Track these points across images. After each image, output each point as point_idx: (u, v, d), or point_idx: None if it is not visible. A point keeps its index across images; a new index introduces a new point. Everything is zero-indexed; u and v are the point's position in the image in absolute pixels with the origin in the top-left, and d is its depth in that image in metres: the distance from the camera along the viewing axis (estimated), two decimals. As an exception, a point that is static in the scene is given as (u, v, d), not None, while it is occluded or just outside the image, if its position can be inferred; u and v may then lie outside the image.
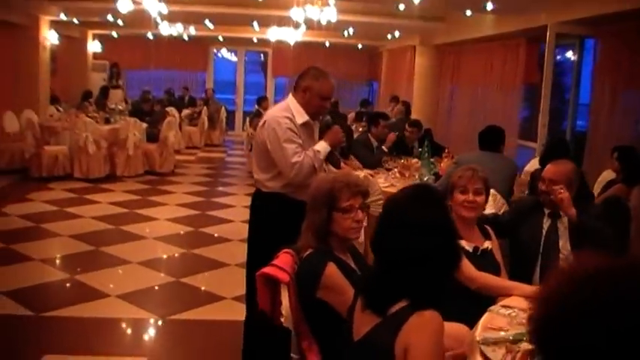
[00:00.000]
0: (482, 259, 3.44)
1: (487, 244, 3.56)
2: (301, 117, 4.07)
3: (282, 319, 2.74)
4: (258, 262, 3.08)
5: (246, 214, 8.45)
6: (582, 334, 1.43)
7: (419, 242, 2.15)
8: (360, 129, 10.59)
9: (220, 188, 11.01)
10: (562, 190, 3.72)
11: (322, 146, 4.13)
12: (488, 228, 3.70)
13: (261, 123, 4.14)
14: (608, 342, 1.38)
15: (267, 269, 2.82)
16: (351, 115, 13.65)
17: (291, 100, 4.15)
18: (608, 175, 6.45)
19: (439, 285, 2.20)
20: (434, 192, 2.50)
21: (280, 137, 3.94)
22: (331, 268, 2.75)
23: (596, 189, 6.44)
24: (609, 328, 1.38)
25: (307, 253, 2.88)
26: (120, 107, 13.06)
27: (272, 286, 2.84)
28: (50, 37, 13.40)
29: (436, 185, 5.67)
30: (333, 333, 2.62)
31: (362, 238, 3.47)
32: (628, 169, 6.00)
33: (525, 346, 2.36)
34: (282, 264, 2.84)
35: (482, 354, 2.46)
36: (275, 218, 4.02)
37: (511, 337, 2.57)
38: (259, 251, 3.70)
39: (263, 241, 3.85)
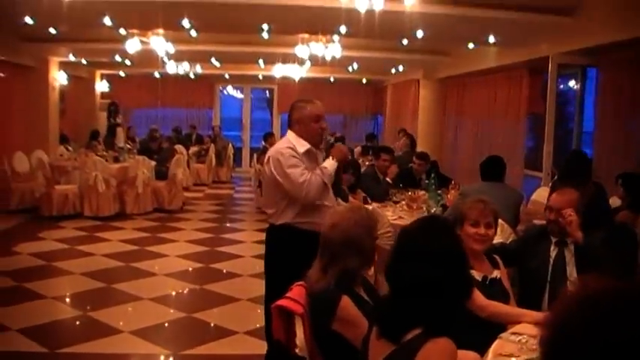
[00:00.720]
0: (492, 288, 3.49)
1: (496, 273, 3.62)
2: (302, 146, 4.29)
3: (297, 350, 2.80)
4: (275, 294, 3.15)
5: (255, 250, 8.66)
6: (588, 354, 1.50)
7: (433, 271, 2.24)
8: (367, 163, 10.67)
9: (229, 224, 11.08)
10: (572, 213, 3.80)
11: (329, 163, 4.36)
12: (497, 257, 3.76)
13: (265, 160, 4.36)
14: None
15: (281, 301, 2.89)
16: (358, 149, 13.76)
17: (289, 134, 4.39)
18: (613, 202, 6.50)
19: (452, 313, 2.27)
20: (446, 223, 2.59)
21: (284, 165, 4.16)
22: (346, 301, 2.81)
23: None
24: (612, 347, 1.45)
25: (321, 285, 2.94)
26: (128, 146, 13.23)
27: (286, 317, 2.90)
28: (59, 78, 13.62)
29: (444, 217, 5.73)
30: None
31: (372, 270, 3.54)
32: (633, 195, 6.06)
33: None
34: (296, 296, 2.91)
35: (494, 379, 2.52)
36: (287, 249, 4.19)
37: (521, 364, 2.63)
38: (275, 283, 3.79)
39: (278, 273, 3.98)
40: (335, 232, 2.97)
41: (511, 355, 2.75)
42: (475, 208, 3.67)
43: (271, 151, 4.36)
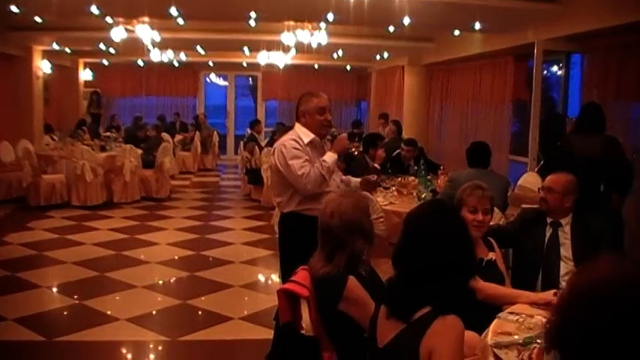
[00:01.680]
0: (488, 270, 3.59)
1: (491, 255, 3.72)
2: (307, 137, 4.44)
3: (303, 331, 2.88)
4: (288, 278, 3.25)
5: (245, 237, 8.78)
6: (597, 339, 1.58)
7: (441, 254, 2.35)
8: (353, 149, 10.71)
9: (217, 212, 11.10)
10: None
11: (328, 155, 4.46)
12: (491, 240, 3.86)
13: (272, 151, 4.53)
14: (616, 345, 1.53)
15: (287, 285, 2.98)
16: (344, 136, 13.79)
17: (297, 127, 4.54)
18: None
19: (459, 291, 2.38)
20: (450, 207, 2.69)
21: (286, 156, 4.31)
22: (353, 282, 2.92)
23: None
24: (619, 332, 1.53)
25: (326, 270, 3.02)
26: (113, 134, 13.19)
27: (292, 300, 2.98)
28: (43, 67, 13.55)
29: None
30: (354, 343, 2.78)
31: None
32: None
33: (541, 345, 2.51)
34: (301, 280, 2.99)
35: (496, 356, 2.62)
36: (295, 235, 4.33)
37: (521, 341, 2.72)
38: (288, 268, 3.89)
39: (290, 258, 4.12)
40: (335, 219, 3.05)
41: (509, 334, 2.84)
42: (474, 195, 3.77)
43: (277, 143, 4.51)
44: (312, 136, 4.44)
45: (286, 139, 4.43)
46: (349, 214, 3.06)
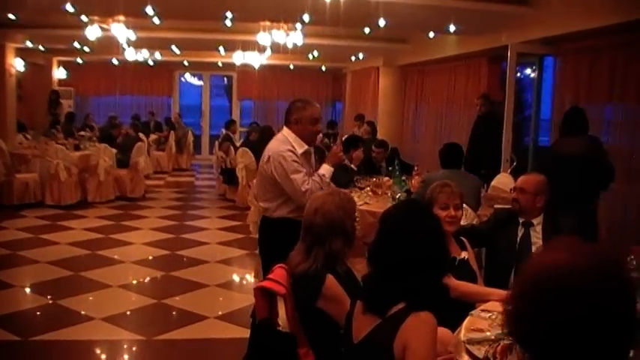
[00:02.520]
0: (460, 269, 3.66)
1: (464, 254, 3.79)
2: (300, 147, 4.44)
3: (280, 327, 2.93)
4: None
5: (220, 237, 8.79)
6: (544, 327, 1.64)
7: (416, 251, 2.41)
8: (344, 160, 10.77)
9: (192, 212, 11.09)
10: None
11: (326, 169, 4.54)
12: (464, 239, 3.94)
13: (265, 158, 4.46)
14: (559, 334, 1.58)
15: (264, 283, 3.03)
16: (319, 137, 13.86)
17: (287, 133, 4.49)
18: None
19: (433, 288, 2.45)
20: (423, 205, 2.77)
21: (287, 170, 4.29)
22: (331, 279, 2.97)
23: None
24: (563, 320, 1.58)
25: (305, 266, 3.07)
26: (88, 134, 13.11)
27: (269, 298, 3.02)
28: (16, 65, 13.42)
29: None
30: (330, 340, 2.83)
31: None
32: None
33: (505, 341, 2.58)
34: (278, 277, 3.03)
35: (468, 352, 2.68)
36: (283, 240, 4.26)
37: (493, 337, 2.78)
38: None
39: (275, 261, 4.09)
40: (318, 217, 3.10)
41: (482, 331, 2.90)
42: (444, 192, 3.85)
43: (271, 151, 4.42)
44: (305, 146, 4.46)
45: (283, 150, 4.36)
46: (332, 213, 3.11)
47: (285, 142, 4.44)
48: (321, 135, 14.13)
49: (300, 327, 3.00)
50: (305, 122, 4.45)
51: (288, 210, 4.42)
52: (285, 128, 4.55)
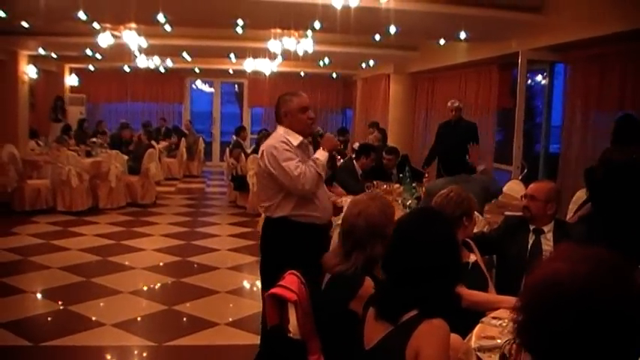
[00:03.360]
0: (472, 273, 3.65)
1: (472, 257, 3.79)
2: (295, 139, 4.37)
3: (291, 335, 2.93)
4: (273, 284, 3.24)
5: (231, 243, 8.77)
6: (548, 335, 1.64)
7: (430, 259, 2.42)
8: (339, 156, 10.79)
9: (203, 218, 11.12)
10: None
11: (320, 153, 4.42)
12: (470, 242, 3.92)
13: (259, 155, 4.44)
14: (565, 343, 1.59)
15: (275, 290, 3.03)
16: (331, 134, 13.86)
17: (280, 129, 4.45)
18: (581, 194, 6.70)
19: (446, 295, 2.45)
20: (439, 214, 2.77)
21: (279, 158, 4.23)
22: (369, 282, 2.96)
23: (571, 209, 6.69)
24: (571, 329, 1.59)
25: (343, 267, 3.08)
26: (99, 140, 13.16)
27: (280, 305, 3.03)
28: (29, 72, 13.52)
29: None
30: (350, 345, 2.82)
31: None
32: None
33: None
34: (289, 284, 3.04)
35: (479, 359, 2.68)
36: (285, 242, 4.32)
37: (503, 345, 2.78)
38: (273, 274, 3.91)
39: (276, 264, 4.05)
40: (360, 220, 3.10)
41: (492, 338, 2.90)
42: (449, 205, 3.83)
43: (265, 146, 4.39)
44: (300, 138, 4.39)
45: (275, 142, 4.33)
46: (375, 217, 3.11)
47: (279, 137, 4.38)
48: (332, 133, 14.21)
49: (317, 332, 3.01)
50: (294, 112, 4.39)
51: (290, 208, 4.33)
52: (278, 127, 4.51)
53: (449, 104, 9.59)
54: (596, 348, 1.58)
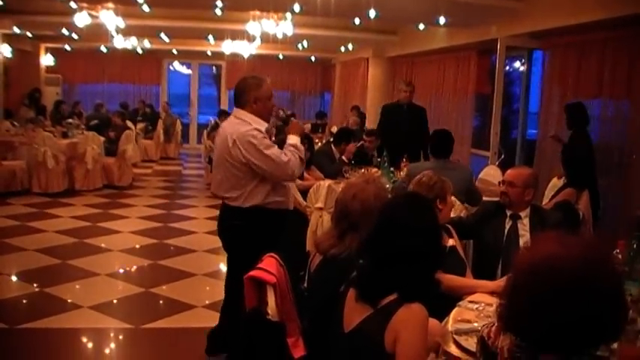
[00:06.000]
0: (450, 257, 3.69)
1: (451, 242, 3.82)
2: (261, 126, 4.31)
3: (270, 317, 2.94)
4: (244, 270, 3.20)
5: (208, 226, 8.76)
6: (540, 316, 1.68)
7: (411, 242, 2.43)
8: (317, 140, 10.80)
9: (180, 201, 11.07)
10: None
11: (294, 139, 4.42)
12: (449, 227, 3.95)
13: (229, 143, 4.23)
14: (562, 320, 1.63)
15: (253, 272, 3.03)
16: (307, 127, 13.88)
17: (244, 115, 4.33)
18: (557, 181, 6.78)
19: (426, 280, 2.48)
20: (423, 199, 2.79)
21: (260, 147, 4.16)
22: None
23: (547, 195, 6.77)
24: (562, 308, 1.63)
25: (337, 250, 3.08)
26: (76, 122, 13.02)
27: (258, 287, 3.04)
28: (3, 51, 13.33)
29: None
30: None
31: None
32: (572, 174, 6.34)
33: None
34: (268, 267, 3.04)
35: (456, 342, 2.71)
36: (258, 230, 4.30)
37: (480, 328, 2.81)
38: (244, 261, 3.90)
39: (248, 252, 4.02)
40: (355, 204, 3.10)
41: (469, 322, 2.93)
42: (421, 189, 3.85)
43: (235, 135, 4.21)
44: (265, 124, 4.34)
45: (248, 130, 4.20)
46: (370, 201, 3.10)
47: (244, 124, 4.26)
48: (309, 125, 14.25)
49: (302, 313, 3.04)
50: (264, 99, 4.34)
51: (263, 196, 4.29)
52: (238, 110, 4.37)
53: (402, 86, 9.23)
54: (585, 326, 1.62)
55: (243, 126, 4.25)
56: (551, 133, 7.55)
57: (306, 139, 7.60)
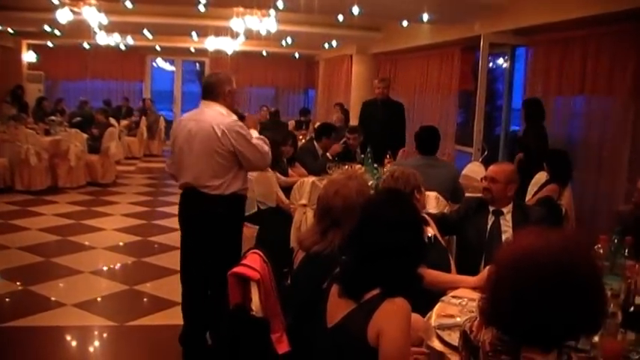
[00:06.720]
0: (433, 248, 3.72)
1: (430, 231, 3.84)
2: (235, 118, 4.49)
3: (254, 313, 2.95)
4: (233, 260, 3.30)
5: (193, 223, 8.60)
6: (522, 309, 1.70)
7: (393, 237, 2.45)
8: (301, 137, 10.79)
9: (164, 198, 11.02)
10: None
11: (255, 133, 4.84)
12: (425, 216, 3.97)
13: (217, 133, 4.29)
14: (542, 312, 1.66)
15: (237, 269, 3.03)
16: (291, 123, 13.89)
17: (219, 107, 4.44)
18: (541, 177, 6.82)
19: (409, 275, 2.50)
20: (403, 195, 2.81)
21: (246, 137, 4.36)
22: None
23: (530, 191, 6.81)
24: (542, 300, 1.66)
25: (320, 247, 3.10)
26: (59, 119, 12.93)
27: (242, 284, 3.04)
28: (-16, 48, 13.24)
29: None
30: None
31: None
32: (555, 170, 6.40)
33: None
34: (251, 263, 3.05)
35: (439, 337, 2.73)
36: (237, 216, 4.60)
37: (462, 323, 2.84)
38: (231, 250, 3.96)
39: (232, 239, 4.18)
40: (337, 200, 3.13)
41: (452, 316, 2.95)
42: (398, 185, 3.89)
43: (222, 125, 4.29)
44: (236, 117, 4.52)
45: (230, 121, 4.35)
46: (352, 198, 3.13)
47: (226, 115, 4.40)
48: (293, 122, 14.26)
49: (286, 309, 3.06)
50: (234, 93, 4.56)
51: (241, 183, 4.49)
52: (210, 102, 4.45)
53: (375, 81, 9.31)
54: (565, 319, 1.65)
55: (226, 117, 4.39)
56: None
57: (290, 136, 7.64)
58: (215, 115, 4.39)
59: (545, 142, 7.30)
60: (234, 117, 4.45)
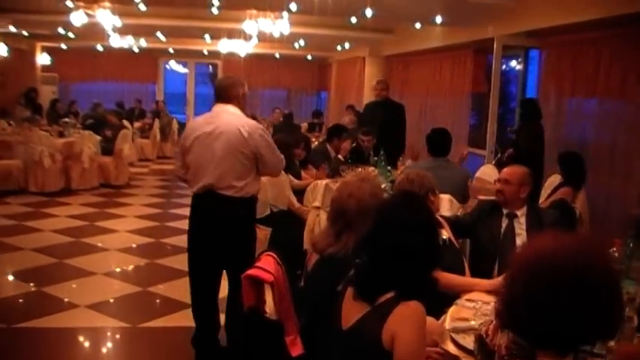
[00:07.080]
0: (448, 250, 3.71)
1: (445, 233, 3.83)
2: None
3: (267, 315, 2.94)
4: (246, 263, 3.31)
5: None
6: (537, 311, 1.69)
7: (408, 240, 2.43)
8: (313, 139, 10.80)
9: (176, 200, 11.04)
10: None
11: None
12: (439, 218, 3.96)
13: (243, 135, 4.27)
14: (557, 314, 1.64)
15: (251, 271, 3.03)
16: (304, 126, 13.88)
17: (235, 109, 4.45)
18: (554, 179, 6.79)
19: (423, 278, 2.49)
20: (418, 197, 2.80)
21: (269, 140, 4.42)
22: None
23: (544, 194, 6.78)
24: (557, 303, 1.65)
25: (334, 249, 3.09)
26: (72, 121, 12.99)
27: (256, 286, 3.04)
28: (-1, 50, 13.33)
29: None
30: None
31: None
32: (568, 173, 6.36)
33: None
34: (265, 265, 3.04)
35: (453, 340, 2.72)
36: (254, 219, 4.66)
37: (477, 326, 2.82)
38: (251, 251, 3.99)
39: (252, 241, 4.23)
40: (351, 202, 3.11)
41: (466, 320, 2.94)
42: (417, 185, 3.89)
43: (247, 126, 4.29)
44: None
45: (252, 122, 4.41)
46: (366, 200, 3.11)
47: (243, 117, 4.44)
48: (306, 124, 14.27)
49: (299, 312, 3.06)
50: (245, 96, 4.57)
51: (257, 186, 4.54)
52: (224, 105, 4.44)
53: (374, 83, 9.37)
54: (581, 323, 1.64)
55: (242, 119, 4.40)
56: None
57: (303, 139, 7.65)
58: (237, 116, 4.40)
59: (538, 142, 7.47)
60: (250, 120, 4.48)
